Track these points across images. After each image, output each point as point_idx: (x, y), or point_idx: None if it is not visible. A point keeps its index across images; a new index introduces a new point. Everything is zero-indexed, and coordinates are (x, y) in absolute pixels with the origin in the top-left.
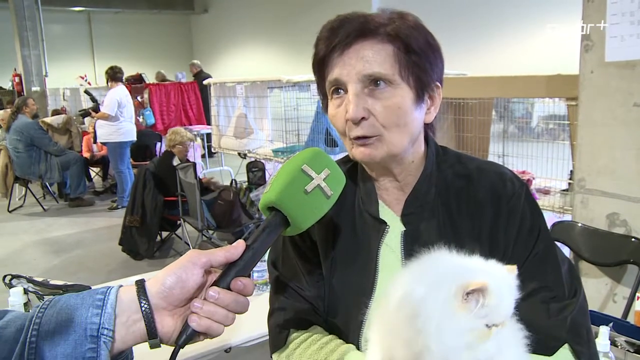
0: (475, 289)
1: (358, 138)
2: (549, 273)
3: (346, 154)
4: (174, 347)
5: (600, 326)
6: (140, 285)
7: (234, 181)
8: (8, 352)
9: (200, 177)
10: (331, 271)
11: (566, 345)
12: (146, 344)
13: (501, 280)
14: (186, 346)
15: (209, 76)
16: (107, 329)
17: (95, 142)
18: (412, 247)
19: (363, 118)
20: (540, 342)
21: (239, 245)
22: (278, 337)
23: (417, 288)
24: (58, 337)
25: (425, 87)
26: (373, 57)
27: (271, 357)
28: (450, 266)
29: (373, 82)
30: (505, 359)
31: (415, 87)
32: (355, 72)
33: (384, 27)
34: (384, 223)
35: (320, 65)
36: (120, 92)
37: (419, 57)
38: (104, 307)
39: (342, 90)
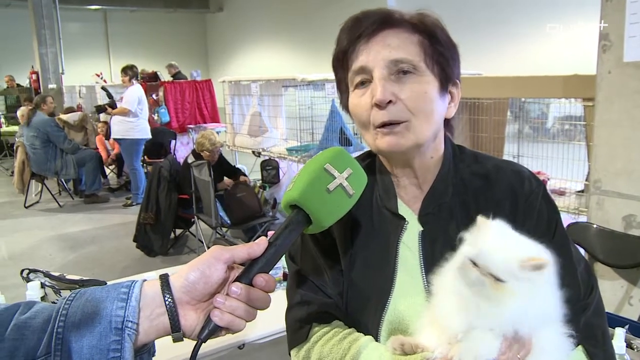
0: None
1: (384, 125)
2: (564, 273)
3: (360, 152)
4: (196, 342)
5: (616, 328)
6: (164, 279)
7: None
8: (36, 341)
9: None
10: (350, 267)
11: (580, 347)
12: (168, 338)
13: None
14: None
15: (185, 77)
16: (132, 321)
17: (107, 138)
18: (430, 247)
19: (390, 102)
20: None
21: (262, 242)
22: (298, 332)
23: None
24: (84, 328)
25: (448, 78)
26: (399, 45)
27: (289, 353)
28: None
29: (400, 70)
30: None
31: (439, 76)
32: (382, 57)
33: (408, 19)
34: (402, 219)
35: (344, 56)
36: (140, 89)
37: (443, 47)
38: (128, 301)
39: (367, 82)
